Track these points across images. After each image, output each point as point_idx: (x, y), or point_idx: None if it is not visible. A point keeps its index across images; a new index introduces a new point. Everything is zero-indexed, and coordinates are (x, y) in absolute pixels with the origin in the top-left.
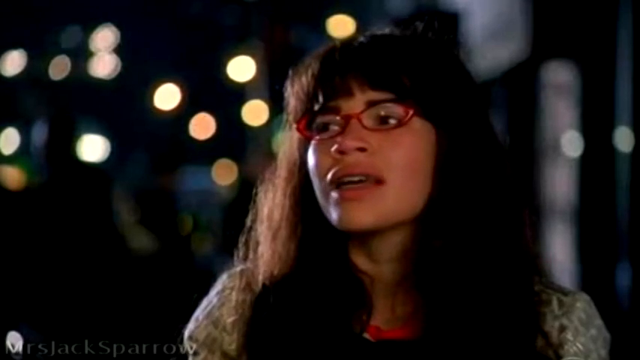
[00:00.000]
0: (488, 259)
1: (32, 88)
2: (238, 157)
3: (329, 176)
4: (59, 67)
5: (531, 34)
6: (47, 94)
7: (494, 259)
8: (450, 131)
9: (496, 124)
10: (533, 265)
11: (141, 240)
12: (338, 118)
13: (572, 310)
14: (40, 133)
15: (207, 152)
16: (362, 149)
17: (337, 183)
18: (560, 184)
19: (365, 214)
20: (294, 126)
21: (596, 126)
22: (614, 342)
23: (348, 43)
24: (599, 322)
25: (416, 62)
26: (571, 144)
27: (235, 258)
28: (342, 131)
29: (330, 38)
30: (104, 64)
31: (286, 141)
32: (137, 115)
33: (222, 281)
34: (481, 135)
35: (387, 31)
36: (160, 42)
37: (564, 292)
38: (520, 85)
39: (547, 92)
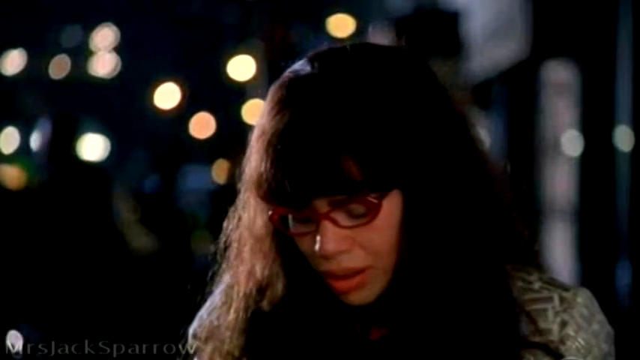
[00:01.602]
0: (467, 279)
1: (32, 87)
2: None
3: (314, 265)
4: (59, 66)
5: (531, 33)
6: (47, 93)
7: (474, 278)
8: (417, 187)
9: (496, 124)
10: (534, 262)
11: (141, 239)
12: (309, 214)
13: (573, 305)
14: (42, 132)
15: (207, 151)
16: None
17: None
18: (560, 183)
19: (363, 296)
20: (259, 148)
21: (596, 125)
22: (614, 341)
23: (290, 131)
24: (601, 317)
25: (365, 143)
26: (571, 143)
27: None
28: (317, 228)
29: (330, 38)
30: (104, 63)
31: (249, 162)
32: (137, 114)
33: (224, 280)
34: (451, 172)
35: (337, 82)
36: (160, 41)
37: (565, 288)
38: (520, 85)
39: (547, 91)
